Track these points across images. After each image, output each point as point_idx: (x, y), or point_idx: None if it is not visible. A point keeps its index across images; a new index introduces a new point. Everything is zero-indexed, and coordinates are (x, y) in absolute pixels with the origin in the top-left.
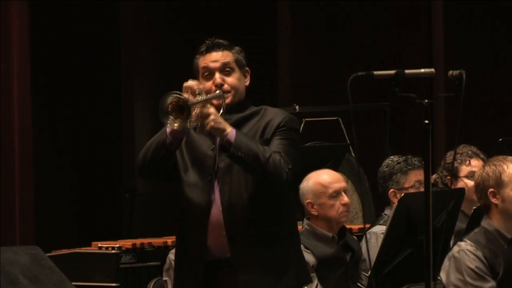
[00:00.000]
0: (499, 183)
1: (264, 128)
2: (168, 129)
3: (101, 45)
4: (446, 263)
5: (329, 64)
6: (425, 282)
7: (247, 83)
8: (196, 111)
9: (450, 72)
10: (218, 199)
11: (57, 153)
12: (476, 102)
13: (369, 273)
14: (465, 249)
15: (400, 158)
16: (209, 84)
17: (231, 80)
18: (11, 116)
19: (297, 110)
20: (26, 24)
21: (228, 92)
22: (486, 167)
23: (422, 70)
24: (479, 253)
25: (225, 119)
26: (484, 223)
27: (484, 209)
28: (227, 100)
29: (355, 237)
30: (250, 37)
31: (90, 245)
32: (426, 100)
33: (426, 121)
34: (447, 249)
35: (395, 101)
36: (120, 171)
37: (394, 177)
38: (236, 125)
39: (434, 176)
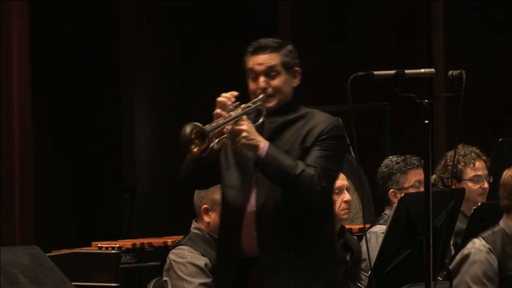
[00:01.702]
0: None
1: (306, 135)
2: None
3: (101, 45)
4: (458, 258)
5: (329, 64)
6: (425, 282)
7: (295, 84)
8: (228, 128)
9: (450, 72)
10: (254, 201)
11: (57, 153)
12: (476, 102)
13: (369, 273)
14: (478, 249)
15: (399, 158)
16: (254, 86)
17: (275, 83)
18: (11, 116)
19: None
20: (26, 24)
21: (272, 96)
22: None
23: (422, 70)
24: (492, 256)
25: (269, 122)
26: (503, 224)
27: (505, 209)
28: (271, 104)
29: (355, 237)
30: (250, 37)
31: (90, 245)
32: (426, 100)
33: (426, 121)
34: (447, 249)
35: (395, 101)
36: (120, 171)
37: (393, 177)
38: (280, 129)
39: (434, 176)
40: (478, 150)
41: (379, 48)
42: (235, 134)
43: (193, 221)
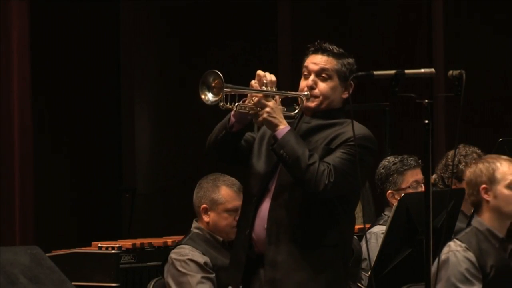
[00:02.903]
0: (492, 180)
1: (334, 137)
2: (232, 112)
3: (101, 45)
4: (436, 264)
5: None
6: (425, 282)
7: (345, 95)
8: (255, 99)
9: (450, 72)
10: (272, 193)
11: (57, 153)
12: (476, 102)
13: (369, 273)
14: (454, 250)
15: (396, 159)
16: (303, 83)
17: (323, 86)
18: (11, 116)
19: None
20: (26, 24)
21: (316, 97)
22: (479, 164)
23: (422, 70)
24: (470, 254)
25: (305, 122)
26: (475, 222)
27: (475, 207)
28: (312, 104)
29: (355, 237)
30: (250, 37)
31: (90, 245)
32: (426, 100)
33: (426, 121)
34: None
35: (395, 101)
36: (120, 171)
37: (390, 178)
38: (313, 130)
39: (434, 176)
40: (479, 151)
41: (379, 48)
42: (260, 106)
43: (194, 220)
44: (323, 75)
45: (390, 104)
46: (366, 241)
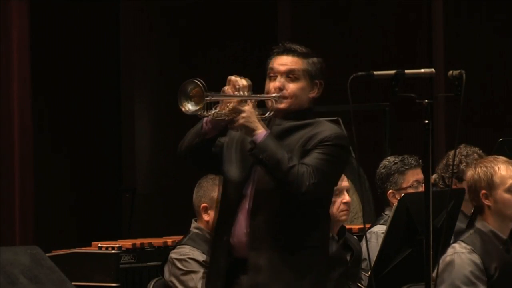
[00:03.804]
0: (490, 185)
1: (309, 138)
2: (205, 118)
3: (101, 45)
4: (440, 265)
5: (329, 64)
6: (425, 282)
7: (313, 95)
8: (230, 105)
9: (450, 72)
10: (249, 198)
11: (57, 153)
12: (476, 102)
13: (369, 273)
14: (459, 252)
15: (396, 159)
16: (270, 85)
17: (292, 87)
18: (11, 116)
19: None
20: (26, 24)
21: (285, 98)
22: (477, 169)
23: (422, 70)
24: (475, 256)
25: (277, 124)
26: (479, 224)
27: (478, 210)
28: (282, 106)
29: (355, 237)
30: (250, 37)
31: (90, 245)
32: (426, 100)
33: (426, 121)
34: (447, 249)
35: (395, 101)
36: (120, 171)
37: (391, 178)
38: (286, 132)
39: (434, 176)
40: (480, 151)
41: (379, 48)
42: (236, 112)
43: (193, 220)
44: (291, 76)
45: (390, 104)
46: (366, 241)
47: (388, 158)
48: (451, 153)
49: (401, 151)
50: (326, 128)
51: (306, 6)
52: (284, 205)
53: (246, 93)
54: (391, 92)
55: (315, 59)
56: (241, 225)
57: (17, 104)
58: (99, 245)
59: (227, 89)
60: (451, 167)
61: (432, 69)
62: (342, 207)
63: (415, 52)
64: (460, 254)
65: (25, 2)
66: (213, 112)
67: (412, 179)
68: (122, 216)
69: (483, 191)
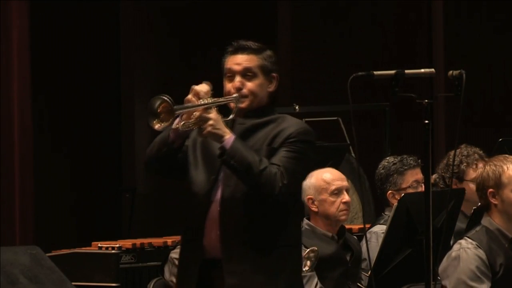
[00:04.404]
0: (498, 184)
1: (274, 136)
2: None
3: (101, 45)
4: (445, 261)
5: (329, 64)
6: (425, 282)
7: (272, 89)
8: (196, 114)
9: (450, 72)
10: (219, 200)
11: (57, 153)
12: (476, 102)
13: (369, 273)
14: (465, 248)
15: (395, 159)
16: (229, 86)
17: (250, 85)
18: (11, 116)
19: (297, 110)
20: (26, 24)
21: (246, 97)
22: (486, 167)
23: (422, 70)
24: (480, 251)
25: (239, 123)
26: (485, 221)
27: (485, 208)
28: (243, 105)
29: (355, 237)
30: (250, 38)
31: (90, 245)
32: (426, 100)
33: (426, 121)
34: (447, 249)
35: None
36: (120, 171)
37: (391, 178)
38: (250, 130)
39: (434, 176)
40: (481, 151)
41: (379, 48)
42: (203, 120)
43: None
44: (248, 74)
45: (390, 104)
46: (366, 241)
47: (387, 158)
48: (452, 153)
49: (401, 151)
50: (290, 124)
51: (306, 6)
52: (254, 206)
53: (209, 100)
54: (391, 92)
55: (268, 53)
56: (212, 227)
57: (17, 104)
58: (99, 245)
59: (191, 98)
60: (451, 167)
61: (432, 69)
62: (342, 207)
63: (415, 52)
64: (466, 250)
65: (25, 2)
66: (180, 124)
67: (411, 179)
68: (122, 216)
69: (491, 190)
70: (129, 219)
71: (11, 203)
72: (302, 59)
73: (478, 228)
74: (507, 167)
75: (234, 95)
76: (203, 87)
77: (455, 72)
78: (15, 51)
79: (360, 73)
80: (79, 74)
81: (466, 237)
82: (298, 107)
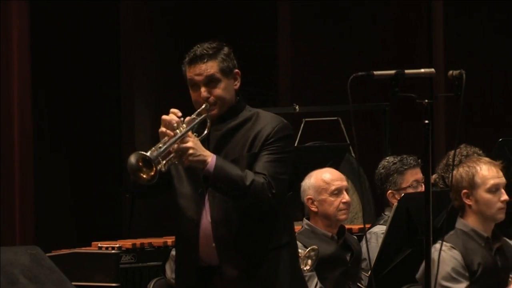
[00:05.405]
0: (472, 185)
1: (253, 139)
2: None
3: (101, 45)
4: (423, 266)
5: (329, 64)
6: (425, 282)
7: (237, 86)
8: (174, 147)
9: (450, 72)
10: (208, 212)
11: (57, 153)
12: (476, 102)
13: (369, 273)
14: (440, 250)
15: (395, 159)
16: (196, 95)
17: (217, 91)
18: (11, 117)
19: (297, 110)
20: (26, 24)
21: (215, 104)
22: (460, 168)
23: (422, 70)
24: (456, 252)
25: (215, 130)
26: (459, 224)
27: (459, 210)
28: (214, 112)
29: (355, 237)
30: (250, 38)
31: (90, 245)
32: (426, 100)
33: (426, 121)
34: None
35: (395, 101)
36: (120, 171)
37: (391, 178)
38: (226, 136)
39: (434, 176)
40: (480, 151)
41: (378, 48)
42: (182, 152)
43: None
44: (212, 81)
45: (390, 104)
46: (366, 241)
47: (387, 158)
48: (451, 153)
49: (401, 151)
50: (266, 122)
51: (306, 6)
52: (245, 213)
53: (182, 127)
54: (391, 92)
55: (224, 51)
56: (206, 239)
57: (17, 104)
58: (99, 245)
59: (164, 130)
60: (451, 167)
61: (432, 69)
62: (342, 206)
63: (415, 52)
64: (441, 252)
65: (25, 2)
66: (163, 163)
67: (411, 179)
68: (122, 216)
69: (465, 191)
70: (129, 219)
71: (11, 203)
72: (302, 59)
73: (452, 232)
74: (480, 168)
75: (203, 106)
76: (172, 116)
77: (455, 72)
78: (15, 51)
79: (360, 73)
80: (79, 74)
81: (440, 241)
82: (298, 107)
